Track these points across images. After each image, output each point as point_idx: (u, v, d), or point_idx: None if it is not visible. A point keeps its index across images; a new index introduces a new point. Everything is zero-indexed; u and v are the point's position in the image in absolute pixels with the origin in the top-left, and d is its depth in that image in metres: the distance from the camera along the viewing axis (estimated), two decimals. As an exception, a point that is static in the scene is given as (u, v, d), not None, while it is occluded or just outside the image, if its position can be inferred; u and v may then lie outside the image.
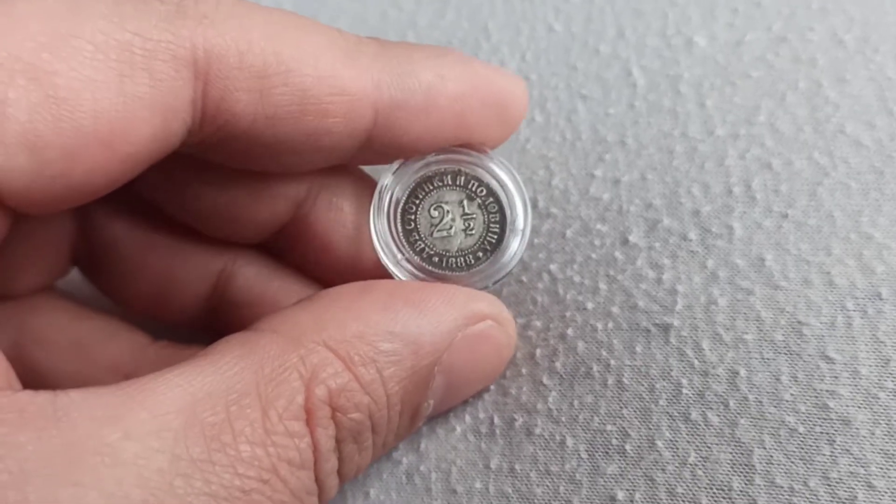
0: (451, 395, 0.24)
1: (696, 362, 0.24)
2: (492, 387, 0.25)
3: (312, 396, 0.19)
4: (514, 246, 0.24)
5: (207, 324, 0.28)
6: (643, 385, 0.24)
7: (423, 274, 0.24)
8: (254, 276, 0.27)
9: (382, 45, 0.22)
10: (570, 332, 0.25)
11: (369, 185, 0.26)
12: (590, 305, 0.25)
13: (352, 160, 0.24)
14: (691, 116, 0.27)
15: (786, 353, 0.24)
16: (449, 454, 0.25)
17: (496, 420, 0.25)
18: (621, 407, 0.24)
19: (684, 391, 0.24)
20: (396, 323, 0.21)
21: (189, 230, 0.26)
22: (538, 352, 0.25)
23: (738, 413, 0.24)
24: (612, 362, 0.25)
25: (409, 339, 0.21)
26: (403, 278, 0.24)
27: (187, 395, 0.18)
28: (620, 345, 0.25)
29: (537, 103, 0.29)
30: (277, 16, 0.21)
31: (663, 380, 0.24)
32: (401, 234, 0.24)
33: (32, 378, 0.18)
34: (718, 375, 0.24)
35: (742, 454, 0.23)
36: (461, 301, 0.22)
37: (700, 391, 0.24)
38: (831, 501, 0.22)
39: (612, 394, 0.25)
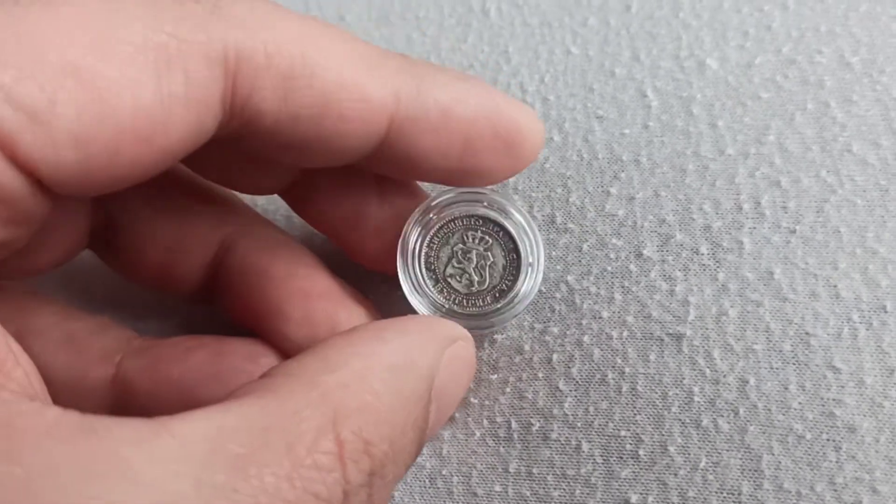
0: (440, 418, 0.24)
1: (707, 371, 0.25)
2: (507, 390, 0.27)
3: (343, 431, 0.19)
4: (528, 288, 0.26)
5: (207, 296, 0.29)
6: (656, 392, 0.25)
7: (442, 312, 0.26)
8: (251, 248, 0.28)
9: (406, 61, 0.24)
10: (586, 339, 0.26)
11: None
12: (605, 314, 0.27)
13: (365, 163, 0.25)
14: (703, 136, 0.28)
15: (794, 363, 0.25)
16: (469, 458, 0.26)
17: (513, 424, 0.26)
18: (635, 413, 0.25)
19: (696, 398, 0.25)
20: (394, 354, 0.21)
21: (192, 201, 0.28)
22: (555, 357, 0.27)
23: (748, 420, 0.25)
24: (627, 370, 0.26)
25: (407, 366, 0.21)
26: (425, 312, 0.26)
27: (214, 427, 0.18)
28: (635, 353, 0.26)
29: (555, 124, 0.30)
30: (308, 22, 0.22)
31: (676, 387, 0.25)
32: (422, 254, 0.26)
33: None
34: (729, 384, 0.25)
35: (751, 460, 0.24)
36: (437, 326, 0.23)
37: (711, 399, 0.25)
38: (838, 506, 0.23)
39: (626, 400, 0.26)
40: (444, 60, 0.34)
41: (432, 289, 0.26)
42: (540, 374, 0.26)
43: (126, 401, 0.27)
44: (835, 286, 0.25)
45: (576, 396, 0.26)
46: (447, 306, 0.26)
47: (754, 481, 0.24)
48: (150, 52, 0.20)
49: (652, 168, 0.28)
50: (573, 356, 0.26)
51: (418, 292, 0.26)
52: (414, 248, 0.26)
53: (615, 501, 0.25)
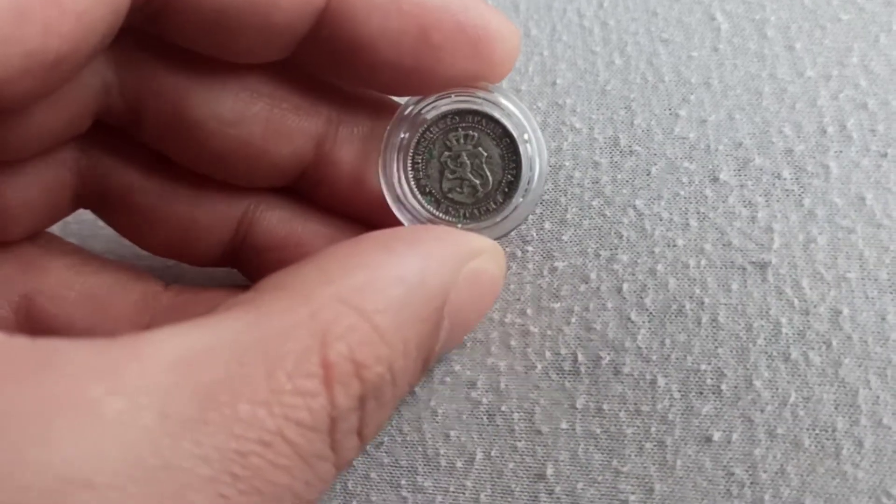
0: (454, 337, 0.22)
1: (795, 301, 0.23)
2: (572, 320, 0.24)
3: (331, 353, 0.17)
4: (536, 165, 0.23)
5: (231, 265, 0.27)
6: (740, 324, 0.23)
7: (433, 222, 0.23)
8: (277, 221, 0.25)
9: None
10: (659, 267, 0.24)
11: (390, 107, 0.25)
12: (680, 242, 0.24)
13: (306, 58, 0.22)
14: (779, 59, 0.26)
15: (891, 292, 0.23)
16: (531, 393, 0.24)
17: (580, 357, 0.24)
18: (716, 346, 0.23)
19: (784, 330, 0.23)
20: (402, 266, 0.19)
21: (204, 177, 0.25)
22: (625, 286, 0.24)
23: (842, 353, 0.22)
24: (706, 300, 0.24)
25: (416, 281, 0.19)
26: (407, 224, 0.23)
27: (184, 350, 0.16)
28: (714, 282, 0.24)
29: (616, 47, 0.28)
30: None
31: (761, 318, 0.23)
32: (410, 179, 0.23)
33: (48, 334, 0.16)
34: (820, 314, 0.23)
35: (846, 394, 0.22)
36: (456, 238, 0.21)
37: (800, 330, 0.23)
38: (944, 444, 0.21)
39: (706, 332, 0.23)
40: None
41: (436, 212, 0.23)
42: (609, 305, 0.24)
43: None
44: (933, 211, 0.23)
45: (650, 328, 0.24)
46: (460, 224, 0.23)
47: (850, 417, 0.22)
48: None
49: (724, 90, 0.26)
50: (646, 285, 0.24)
51: (400, 197, 0.23)
52: (399, 178, 0.23)
53: (695, 439, 0.23)
